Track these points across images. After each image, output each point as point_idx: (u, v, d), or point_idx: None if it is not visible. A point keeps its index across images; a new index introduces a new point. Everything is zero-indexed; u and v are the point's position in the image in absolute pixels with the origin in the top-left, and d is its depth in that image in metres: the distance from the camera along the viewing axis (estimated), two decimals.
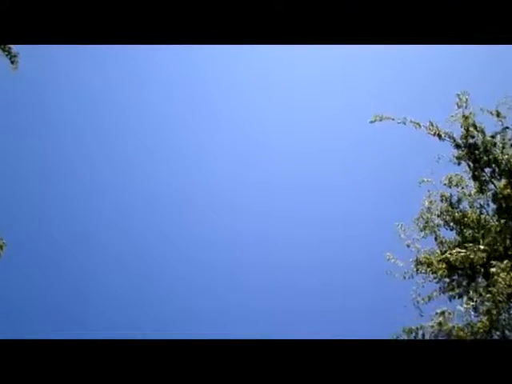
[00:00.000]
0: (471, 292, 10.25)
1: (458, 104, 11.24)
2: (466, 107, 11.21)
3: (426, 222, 11.19)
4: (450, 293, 10.49)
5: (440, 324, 9.37)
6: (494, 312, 8.97)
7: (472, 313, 9.66)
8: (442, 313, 9.55)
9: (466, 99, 11.21)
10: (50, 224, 22.19)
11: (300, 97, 23.17)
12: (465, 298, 10.29)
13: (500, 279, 8.74)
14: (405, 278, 10.90)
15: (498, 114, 11.03)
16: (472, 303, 9.50)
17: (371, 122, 11.43)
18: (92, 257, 22.00)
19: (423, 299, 10.64)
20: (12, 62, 9.54)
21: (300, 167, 23.17)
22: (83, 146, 22.90)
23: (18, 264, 20.71)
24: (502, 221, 10.12)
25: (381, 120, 11.39)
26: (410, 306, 10.61)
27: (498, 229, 10.03)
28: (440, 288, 10.71)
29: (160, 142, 23.48)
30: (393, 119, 11.38)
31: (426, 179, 11.50)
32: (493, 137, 10.97)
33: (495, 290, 8.77)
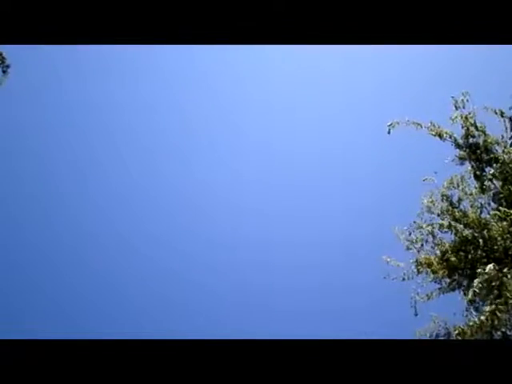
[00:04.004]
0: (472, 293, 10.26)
1: (455, 106, 11.23)
2: (464, 107, 11.21)
3: (424, 225, 11.19)
4: (451, 293, 10.53)
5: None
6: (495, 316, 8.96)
7: (473, 312, 9.68)
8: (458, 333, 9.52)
9: (463, 100, 11.21)
10: (50, 224, 22.20)
11: (300, 97, 23.16)
12: (466, 300, 10.31)
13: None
14: (404, 279, 10.91)
15: (502, 114, 11.04)
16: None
17: (388, 131, 11.41)
18: (92, 257, 22.00)
19: (422, 298, 10.67)
20: (3, 72, 9.45)
21: (300, 167, 23.17)
22: (83, 147, 22.89)
23: (18, 264, 20.72)
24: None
25: (394, 127, 11.36)
26: (410, 306, 10.64)
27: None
28: (440, 288, 10.73)
29: (160, 142, 23.48)
30: (398, 123, 11.35)
31: (428, 178, 11.50)
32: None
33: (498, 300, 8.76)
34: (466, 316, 9.82)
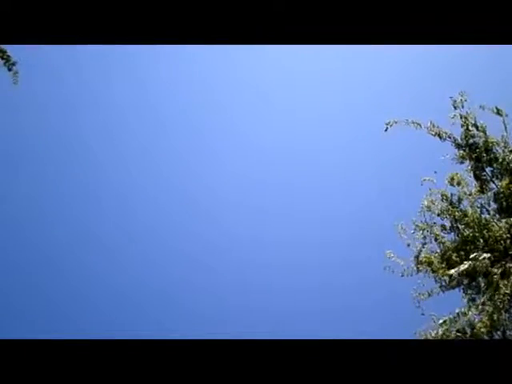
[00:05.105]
0: (472, 291, 10.27)
1: (454, 105, 11.24)
2: (463, 107, 11.21)
3: (425, 223, 11.20)
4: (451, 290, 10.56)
5: (444, 334, 9.38)
6: (495, 316, 8.95)
7: (474, 311, 9.67)
8: (445, 322, 9.52)
9: (462, 100, 11.20)
10: (50, 224, 22.19)
11: (300, 97, 23.13)
12: (466, 299, 10.32)
13: (501, 285, 8.72)
14: (403, 275, 10.93)
15: (498, 112, 11.03)
16: (474, 306, 9.48)
17: (386, 129, 11.37)
18: (92, 257, 22.00)
19: (423, 295, 10.69)
20: (9, 70, 9.44)
21: (300, 166, 23.15)
22: (84, 147, 22.88)
23: (17, 264, 20.72)
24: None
25: (391, 125, 11.34)
26: (411, 304, 10.65)
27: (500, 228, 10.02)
28: (440, 287, 10.74)
29: (161, 142, 23.47)
30: (396, 122, 11.35)
31: (427, 178, 11.51)
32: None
33: (496, 297, 8.74)
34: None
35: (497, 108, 11.00)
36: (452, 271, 9.63)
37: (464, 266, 9.44)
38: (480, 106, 11.13)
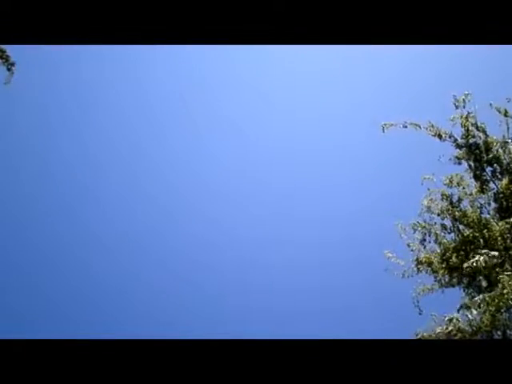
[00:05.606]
0: (472, 291, 10.27)
1: (455, 105, 11.24)
2: (464, 107, 11.21)
3: (426, 223, 11.22)
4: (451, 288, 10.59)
5: (450, 333, 9.38)
6: (498, 316, 8.96)
7: (474, 311, 9.67)
8: (451, 319, 9.53)
9: (464, 99, 11.20)
10: (50, 224, 22.18)
11: (300, 96, 23.14)
12: (466, 299, 10.32)
13: (506, 285, 8.71)
14: (404, 275, 10.95)
15: (506, 113, 11.02)
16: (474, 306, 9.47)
17: (383, 131, 11.37)
18: (92, 257, 21.99)
19: (423, 290, 10.71)
20: (8, 70, 9.50)
21: (301, 166, 23.16)
22: (83, 147, 22.89)
23: (17, 264, 20.71)
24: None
25: (388, 128, 11.35)
26: (411, 304, 10.66)
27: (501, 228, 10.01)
28: (440, 286, 10.77)
29: (161, 142, 23.48)
30: (393, 124, 11.35)
31: (427, 176, 11.53)
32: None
33: (500, 297, 8.73)
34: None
35: (505, 110, 11.00)
36: (465, 265, 9.58)
37: (478, 258, 9.38)
38: (490, 104, 11.13)
